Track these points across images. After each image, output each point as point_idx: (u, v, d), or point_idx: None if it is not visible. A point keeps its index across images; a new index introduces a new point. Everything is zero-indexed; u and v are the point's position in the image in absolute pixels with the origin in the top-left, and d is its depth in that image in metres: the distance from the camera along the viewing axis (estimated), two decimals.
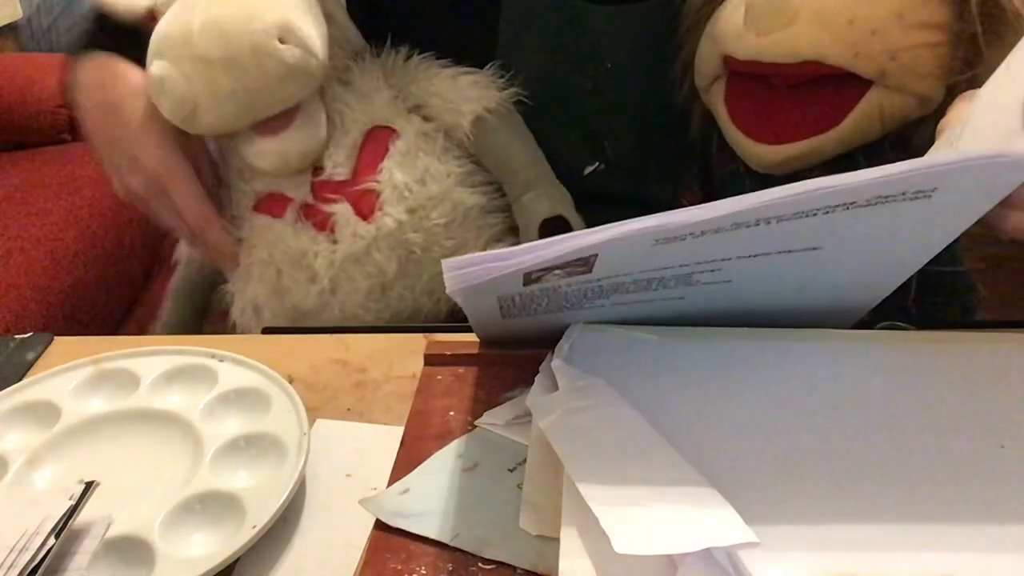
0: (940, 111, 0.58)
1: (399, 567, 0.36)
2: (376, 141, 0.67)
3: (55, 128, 1.74)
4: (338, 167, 0.66)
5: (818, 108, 0.59)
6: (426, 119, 0.70)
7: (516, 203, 0.71)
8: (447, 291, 0.39)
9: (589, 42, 0.70)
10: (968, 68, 0.57)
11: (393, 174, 0.66)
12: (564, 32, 0.70)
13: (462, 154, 0.70)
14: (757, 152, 0.61)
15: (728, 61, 0.61)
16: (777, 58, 0.57)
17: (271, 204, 0.67)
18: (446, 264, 0.38)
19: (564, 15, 0.70)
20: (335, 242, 0.65)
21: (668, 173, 0.79)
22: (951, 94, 0.58)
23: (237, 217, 0.68)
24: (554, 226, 0.69)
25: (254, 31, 0.59)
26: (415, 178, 0.66)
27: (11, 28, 2.31)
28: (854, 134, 0.59)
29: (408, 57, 0.71)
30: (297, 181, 0.67)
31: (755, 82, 0.61)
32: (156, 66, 0.61)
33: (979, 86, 0.57)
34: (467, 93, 0.68)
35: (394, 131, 0.68)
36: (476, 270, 0.38)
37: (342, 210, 0.65)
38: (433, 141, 0.69)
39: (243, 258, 0.68)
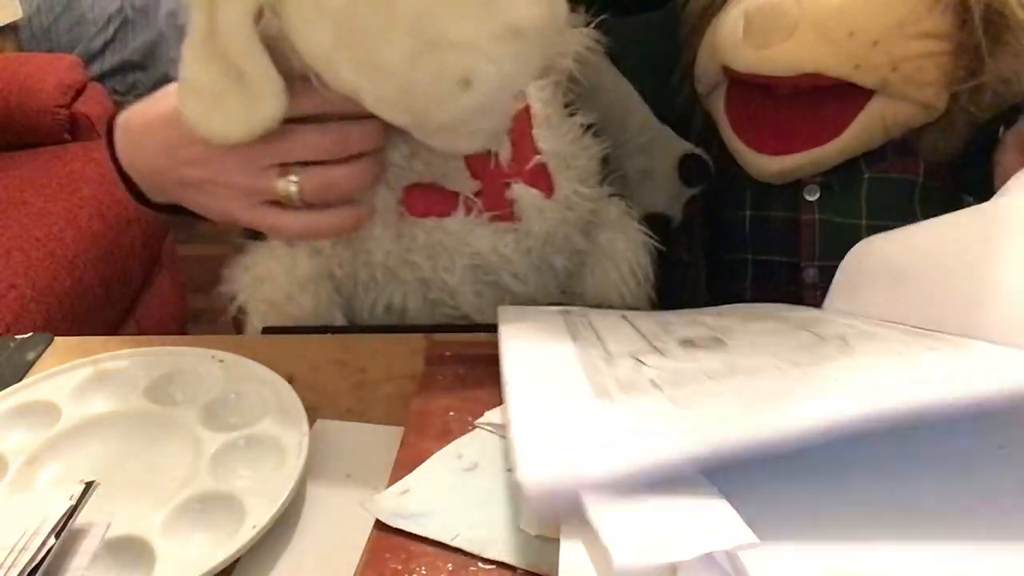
0: (944, 116, 0.58)
1: (399, 567, 0.36)
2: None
3: (55, 128, 1.74)
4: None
5: (820, 118, 0.58)
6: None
7: (632, 144, 0.62)
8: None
9: None
10: (972, 76, 0.56)
11: (551, 142, 0.56)
12: None
13: (578, 104, 0.59)
14: (757, 162, 0.61)
15: (728, 70, 0.61)
16: (777, 71, 0.56)
17: (428, 202, 0.55)
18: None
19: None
20: (516, 231, 0.55)
21: None
22: (956, 101, 0.57)
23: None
24: (691, 163, 0.63)
25: None
26: (570, 141, 0.57)
27: (11, 28, 2.32)
28: (856, 143, 0.58)
29: None
30: (453, 167, 0.54)
31: (755, 91, 0.60)
32: None
33: (984, 94, 0.57)
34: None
35: (521, 92, 0.55)
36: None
37: (523, 192, 0.55)
38: (555, 96, 0.58)
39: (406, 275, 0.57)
